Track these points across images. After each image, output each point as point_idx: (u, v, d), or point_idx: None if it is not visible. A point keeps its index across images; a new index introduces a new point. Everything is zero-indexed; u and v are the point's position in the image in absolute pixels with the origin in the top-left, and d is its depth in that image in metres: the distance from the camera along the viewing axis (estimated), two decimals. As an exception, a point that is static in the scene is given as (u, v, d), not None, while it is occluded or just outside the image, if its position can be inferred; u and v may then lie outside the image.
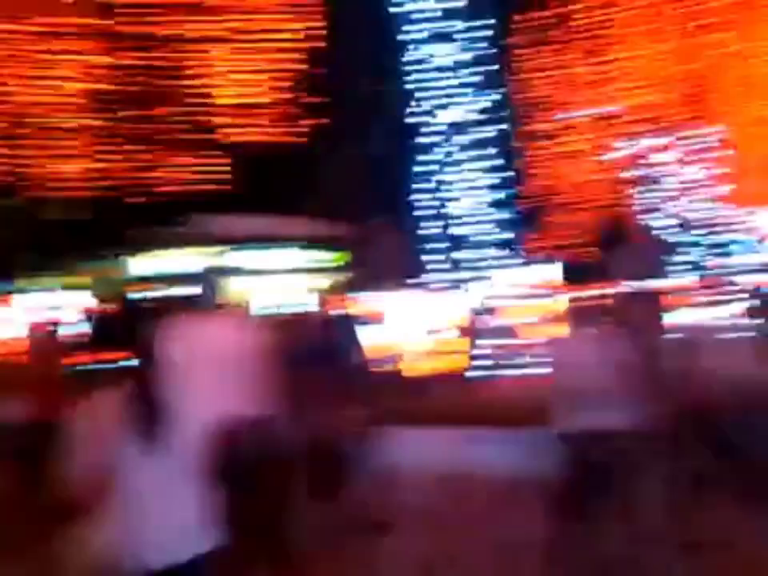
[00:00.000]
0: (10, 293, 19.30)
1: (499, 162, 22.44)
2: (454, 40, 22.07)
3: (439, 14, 20.59)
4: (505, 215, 23.03)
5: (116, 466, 2.67)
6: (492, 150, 22.36)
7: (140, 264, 21.75)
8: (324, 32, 15.11)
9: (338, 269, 20.87)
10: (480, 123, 22.36)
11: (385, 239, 19.68)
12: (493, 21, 19.38)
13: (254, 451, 4.43)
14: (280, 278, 20.27)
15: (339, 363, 6.36)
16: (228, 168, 16.31)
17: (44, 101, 15.40)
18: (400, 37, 18.65)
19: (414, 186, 20.16)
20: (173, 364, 4.43)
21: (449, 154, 22.32)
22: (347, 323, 6.89)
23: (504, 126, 20.82)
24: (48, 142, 16.46)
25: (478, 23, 19.45)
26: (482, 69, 21.78)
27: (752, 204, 17.46)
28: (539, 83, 18.61)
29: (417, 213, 20.94)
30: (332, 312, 6.96)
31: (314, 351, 6.32)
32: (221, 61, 15.20)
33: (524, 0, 18.57)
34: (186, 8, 14.17)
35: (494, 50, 20.29)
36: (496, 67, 19.85)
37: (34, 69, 15.83)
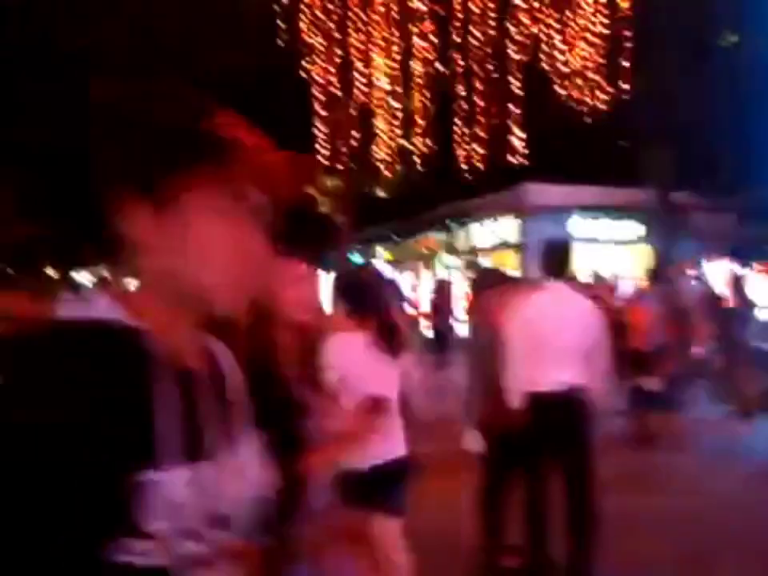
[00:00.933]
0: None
1: None
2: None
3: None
4: None
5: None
6: None
7: (473, 233, 22.55)
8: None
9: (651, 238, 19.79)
10: None
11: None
12: None
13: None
14: (609, 247, 19.78)
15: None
16: (546, 137, 16.04)
17: (381, 84, 16.35)
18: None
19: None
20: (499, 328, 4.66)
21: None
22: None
23: None
24: (382, 123, 17.45)
25: None
26: None
27: None
28: None
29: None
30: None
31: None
32: (544, 30, 14.92)
33: None
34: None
35: None
36: None
37: (373, 53, 16.92)
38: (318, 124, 18.41)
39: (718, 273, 15.59)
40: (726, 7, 14.33)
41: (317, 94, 17.76)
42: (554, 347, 4.45)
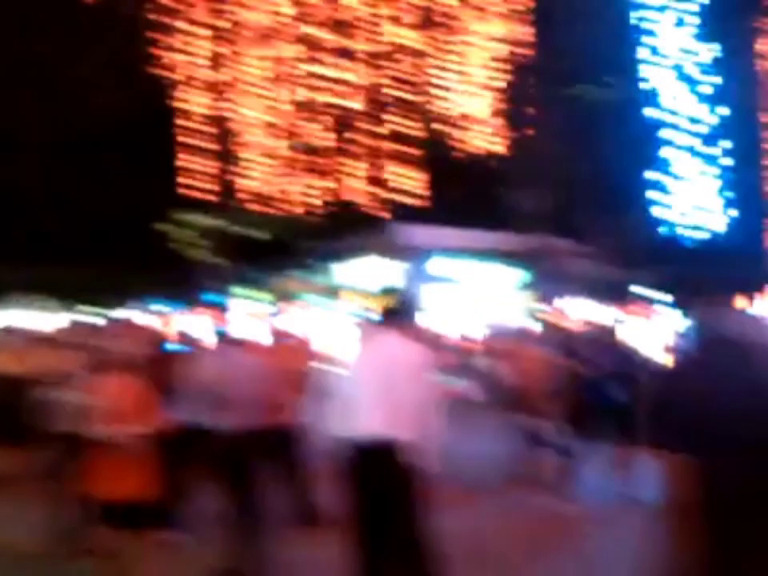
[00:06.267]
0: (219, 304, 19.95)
1: (734, 159, 21.32)
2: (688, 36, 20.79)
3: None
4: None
5: None
6: (725, 149, 21.20)
7: (342, 273, 22.22)
8: (534, 39, 14.79)
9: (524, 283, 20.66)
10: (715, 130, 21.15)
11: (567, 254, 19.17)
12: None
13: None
14: (477, 291, 20.25)
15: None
16: (429, 180, 16.36)
17: (264, 120, 15.89)
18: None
19: (643, 187, 19.00)
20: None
21: (679, 152, 21.27)
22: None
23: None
24: (262, 160, 16.91)
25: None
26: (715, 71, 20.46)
27: None
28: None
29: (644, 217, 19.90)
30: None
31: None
32: (441, 73, 15.22)
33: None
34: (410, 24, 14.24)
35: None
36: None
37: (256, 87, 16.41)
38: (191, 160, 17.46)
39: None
40: (594, 61, 15.40)
41: (189, 126, 16.90)
42: (373, 394, 4.23)
